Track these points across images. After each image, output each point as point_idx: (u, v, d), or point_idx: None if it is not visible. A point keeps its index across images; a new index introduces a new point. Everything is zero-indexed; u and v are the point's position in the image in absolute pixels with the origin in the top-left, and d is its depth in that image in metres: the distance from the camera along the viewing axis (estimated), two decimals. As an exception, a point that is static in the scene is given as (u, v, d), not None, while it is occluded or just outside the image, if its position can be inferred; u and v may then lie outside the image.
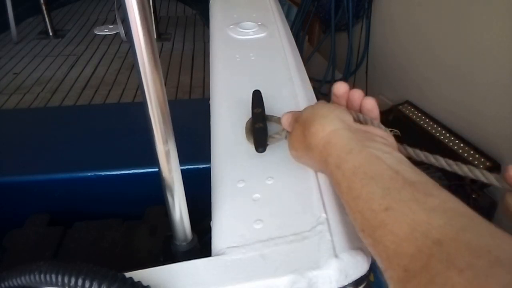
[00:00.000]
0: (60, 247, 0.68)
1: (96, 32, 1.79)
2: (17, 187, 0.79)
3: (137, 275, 0.38)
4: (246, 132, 0.60)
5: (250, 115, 0.61)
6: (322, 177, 0.52)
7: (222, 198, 0.50)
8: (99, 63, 1.51)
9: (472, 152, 1.45)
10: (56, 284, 0.34)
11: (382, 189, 0.36)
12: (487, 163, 1.40)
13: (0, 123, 0.98)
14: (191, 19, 1.96)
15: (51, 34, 1.75)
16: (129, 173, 0.79)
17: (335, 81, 2.35)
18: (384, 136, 0.47)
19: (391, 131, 0.49)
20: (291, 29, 2.02)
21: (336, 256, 0.41)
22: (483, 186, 1.49)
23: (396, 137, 0.48)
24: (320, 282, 0.41)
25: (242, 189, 0.51)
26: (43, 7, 1.71)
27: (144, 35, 0.35)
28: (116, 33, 1.75)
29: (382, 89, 2.12)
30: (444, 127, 1.62)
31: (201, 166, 0.76)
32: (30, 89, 1.32)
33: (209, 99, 0.73)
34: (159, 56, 0.38)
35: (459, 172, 0.44)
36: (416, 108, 1.77)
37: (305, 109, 0.52)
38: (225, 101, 0.70)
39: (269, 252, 0.42)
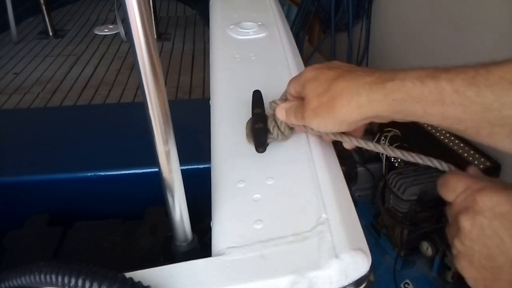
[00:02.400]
0: (60, 247, 0.68)
1: (96, 32, 1.79)
2: (17, 187, 0.79)
3: (137, 275, 0.38)
4: (247, 132, 0.60)
5: (250, 115, 0.61)
6: (322, 177, 0.52)
7: (222, 198, 0.50)
8: (99, 63, 1.51)
9: (472, 152, 1.44)
10: (56, 285, 0.34)
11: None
12: (487, 163, 1.40)
13: (0, 123, 0.98)
14: (191, 19, 1.96)
15: (51, 34, 1.75)
16: (129, 173, 0.79)
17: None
18: None
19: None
20: (291, 29, 2.01)
21: (336, 256, 0.41)
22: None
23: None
24: (320, 283, 0.41)
25: (242, 189, 0.51)
26: (43, 7, 1.71)
27: (144, 35, 0.35)
28: (116, 33, 1.75)
29: (382, 89, 2.12)
30: (444, 127, 1.62)
31: (201, 166, 0.76)
32: (30, 89, 1.32)
33: (209, 99, 0.73)
34: (159, 56, 0.38)
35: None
36: (416, 108, 1.77)
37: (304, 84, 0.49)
38: (225, 101, 0.70)
39: (269, 253, 0.42)
